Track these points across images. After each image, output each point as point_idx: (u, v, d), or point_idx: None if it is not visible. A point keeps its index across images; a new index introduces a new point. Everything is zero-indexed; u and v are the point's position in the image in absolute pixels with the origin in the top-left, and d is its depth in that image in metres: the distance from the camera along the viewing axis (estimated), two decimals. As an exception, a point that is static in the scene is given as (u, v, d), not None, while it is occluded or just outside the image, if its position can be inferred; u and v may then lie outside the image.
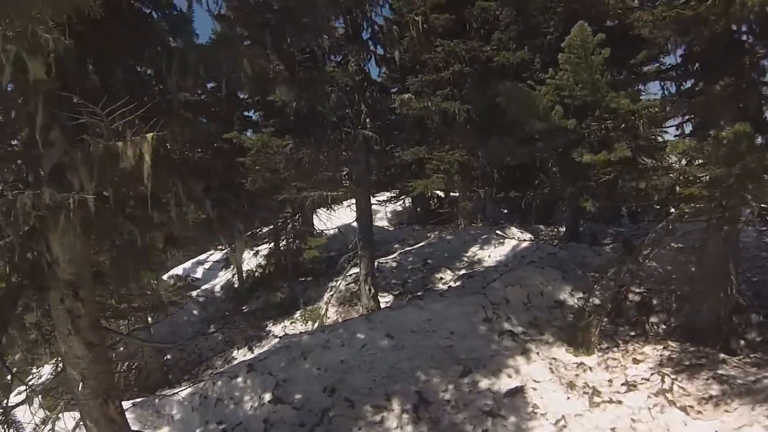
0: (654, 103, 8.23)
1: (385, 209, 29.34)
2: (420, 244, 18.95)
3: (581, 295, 12.89)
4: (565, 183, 13.06)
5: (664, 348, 10.70)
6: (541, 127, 8.68)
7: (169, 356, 18.35)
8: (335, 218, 25.44)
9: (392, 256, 18.19)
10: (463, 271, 15.83)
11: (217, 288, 23.23)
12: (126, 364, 16.67)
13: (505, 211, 26.39)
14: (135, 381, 16.60)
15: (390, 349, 10.62)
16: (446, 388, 9.60)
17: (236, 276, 22.01)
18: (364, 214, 13.78)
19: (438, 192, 27.12)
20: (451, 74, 20.07)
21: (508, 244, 16.84)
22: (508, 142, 9.54)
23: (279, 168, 14.20)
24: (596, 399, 9.09)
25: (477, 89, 17.16)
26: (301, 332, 13.99)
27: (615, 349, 11.07)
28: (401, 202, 27.62)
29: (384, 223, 28.95)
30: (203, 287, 24.87)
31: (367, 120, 13.85)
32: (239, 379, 10.68)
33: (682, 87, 10.12)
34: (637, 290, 12.96)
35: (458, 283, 14.45)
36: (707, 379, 9.18)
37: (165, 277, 28.86)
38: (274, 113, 18.56)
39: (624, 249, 11.89)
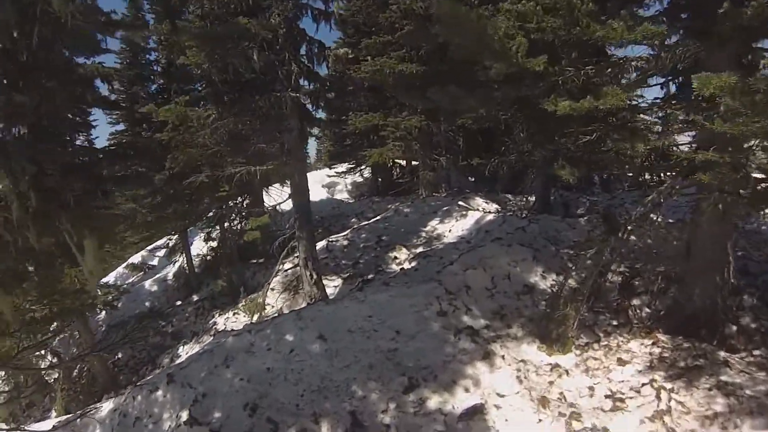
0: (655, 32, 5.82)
1: (344, 181, 27.02)
2: (376, 219, 16.61)
3: (554, 277, 10.86)
4: (534, 145, 10.75)
5: (654, 343, 8.83)
6: (499, 69, 6.25)
7: (120, 355, 16.71)
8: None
9: (344, 234, 15.87)
10: (420, 249, 13.59)
11: (170, 276, 21.19)
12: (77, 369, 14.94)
13: (472, 179, 24.25)
14: (81, 388, 14.94)
15: (322, 355, 8.35)
16: (386, 408, 7.37)
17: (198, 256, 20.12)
18: (300, 189, 11.36)
19: (400, 161, 24.86)
20: (407, 34, 17.66)
21: (472, 217, 14.61)
22: (454, 91, 7.04)
23: (208, 143, 11.75)
24: (575, 425, 6.92)
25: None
26: (230, 330, 11.67)
27: (596, 346, 9.08)
28: (360, 173, 25.33)
29: (344, 196, 26.68)
30: (156, 276, 22.89)
31: (302, 81, 11.36)
32: (159, 393, 8.71)
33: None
34: (618, 269, 11.01)
35: (413, 264, 12.20)
36: (709, 389, 7.16)
37: (122, 267, 26.86)
38: (193, 81, 16.02)
39: (607, 226, 9.70)
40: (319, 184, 27.13)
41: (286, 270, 14.55)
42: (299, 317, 9.21)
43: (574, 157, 8.76)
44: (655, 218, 10.14)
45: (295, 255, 12.96)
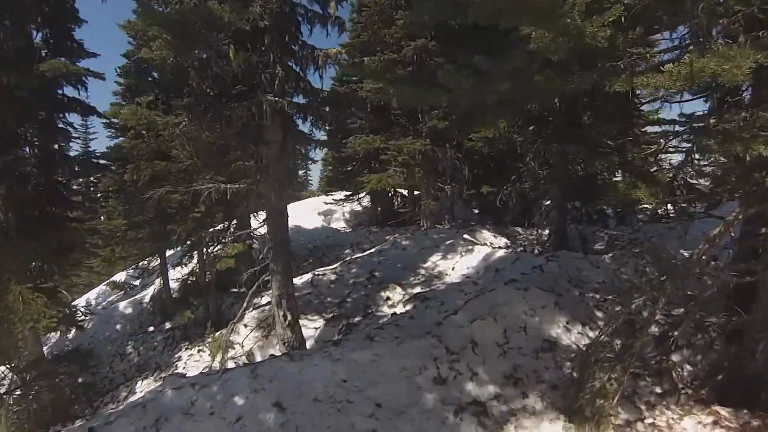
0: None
1: (342, 209, 24.85)
2: (370, 252, 14.33)
3: (580, 328, 8.58)
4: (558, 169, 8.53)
5: (715, 422, 6.58)
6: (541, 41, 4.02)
7: (81, 380, 15.00)
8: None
9: (333, 267, 13.56)
10: (417, 289, 11.25)
11: (147, 298, 19.21)
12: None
13: (476, 211, 22.03)
14: (28, 416, 12.81)
15: (276, 430, 6.01)
16: None
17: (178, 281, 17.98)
18: (277, 213, 9.11)
19: (401, 190, 22.73)
20: (413, 50, 15.76)
21: (479, 253, 12.32)
22: (481, 64, 4.68)
23: (181, 155, 9.69)
24: None
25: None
26: (178, 375, 9.31)
27: (640, 426, 6.90)
28: (359, 201, 23.21)
29: (341, 225, 24.49)
30: (134, 297, 20.95)
31: (291, 87, 9.27)
32: (76, 452, 6.55)
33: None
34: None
35: (407, 308, 9.86)
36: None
37: (104, 284, 24.86)
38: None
39: (659, 266, 7.46)
40: (315, 211, 25.01)
41: (263, 305, 12.29)
42: (254, 375, 6.86)
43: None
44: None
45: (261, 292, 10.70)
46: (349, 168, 22.12)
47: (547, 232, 15.05)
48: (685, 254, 9.02)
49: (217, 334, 12.00)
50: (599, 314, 9.52)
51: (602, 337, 8.06)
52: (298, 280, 13.14)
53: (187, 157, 9.88)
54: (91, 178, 20.16)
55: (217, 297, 15.19)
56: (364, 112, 19.35)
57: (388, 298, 11.09)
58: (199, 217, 13.78)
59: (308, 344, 10.43)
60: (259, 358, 11.01)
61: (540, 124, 12.30)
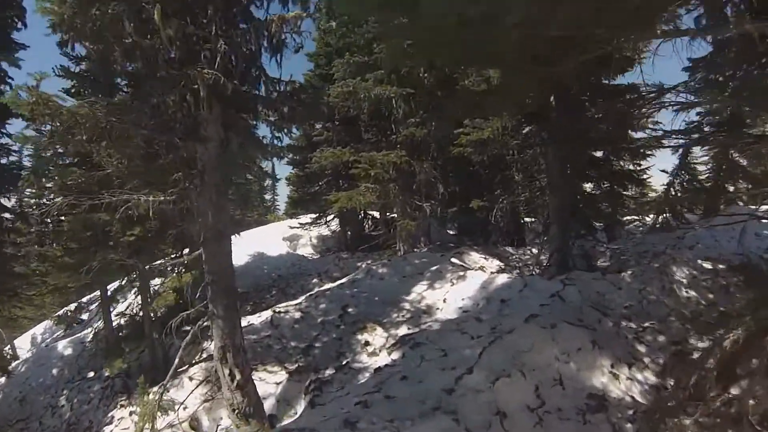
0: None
1: (309, 234, 22.17)
2: (341, 282, 11.72)
3: (627, 372, 6.31)
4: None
5: None
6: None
7: None
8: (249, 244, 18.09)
9: (297, 302, 10.84)
10: (402, 329, 8.67)
11: (90, 337, 15.97)
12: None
13: (452, 232, 19.78)
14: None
15: None
16: None
17: (122, 318, 14.62)
18: (214, 235, 6.45)
19: (372, 213, 20.29)
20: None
21: (473, 279, 9.87)
22: None
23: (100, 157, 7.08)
24: None
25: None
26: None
27: None
28: (326, 224, 20.62)
29: (308, 251, 21.79)
30: (75, 336, 17.90)
31: (237, 70, 6.75)
32: None
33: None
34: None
35: (394, 357, 7.27)
36: None
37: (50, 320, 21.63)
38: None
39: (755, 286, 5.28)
40: (280, 236, 22.28)
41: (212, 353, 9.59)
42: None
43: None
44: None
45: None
46: (316, 187, 19.57)
47: (539, 251, 12.84)
48: None
49: (154, 390, 9.18)
50: (641, 348, 7.27)
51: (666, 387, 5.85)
52: (256, 319, 10.44)
53: (107, 161, 7.16)
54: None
55: (163, 339, 12.28)
56: (331, 123, 17.06)
57: (366, 343, 8.46)
58: (133, 242, 10.97)
59: (267, 405, 7.75)
60: (206, 425, 8.28)
61: (538, 123, 10.23)
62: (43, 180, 12.53)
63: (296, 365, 8.42)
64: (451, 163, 14.54)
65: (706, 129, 10.94)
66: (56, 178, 10.55)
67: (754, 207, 10.82)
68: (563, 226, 10.99)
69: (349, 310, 9.86)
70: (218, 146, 6.40)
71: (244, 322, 10.34)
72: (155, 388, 9.21)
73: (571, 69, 5.03)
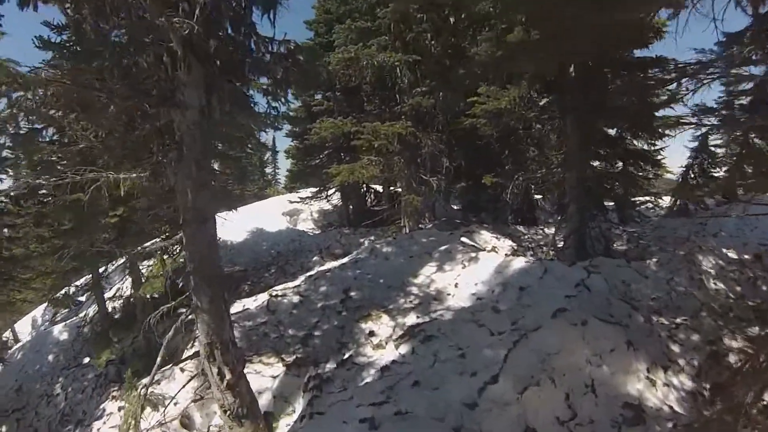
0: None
1: (309, 208, 21.32)
2: (342, 262, 10.93)
3: (663, 377, 5.60)
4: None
5: None
6: None
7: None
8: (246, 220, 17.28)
9: (295, 284, 10.04)
10: (410, 317, 7.89)
11: (89, 319, 15.21)
12: None
13: (457, 207, 18.94)
14: None
15: None
16: None
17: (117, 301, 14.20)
18: (195, 217, 5.56)
19: (375, 186, 19.38)
20: (390, 15, 12.52)
21: (486, 262, 9.07)
22: None
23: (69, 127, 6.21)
24: None
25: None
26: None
27: None
28: (327, 198, 19.75)
29: (309, 226, 20.96)
30: (71, 320, 17.29)
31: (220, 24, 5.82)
32: None
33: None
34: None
35: (402, 351, 6.53)
36: None
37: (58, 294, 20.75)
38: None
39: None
40: (280, 211, 21.41)
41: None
42: None
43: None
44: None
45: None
46: (316, 160, 18.62)
47: (556, 231, 12.03)
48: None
49: (143, 381, 8.47)
50: (675, 348, 6.54)
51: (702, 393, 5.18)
52: (251, 303, 9.67)
53: (82, 136, 6.27)
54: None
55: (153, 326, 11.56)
56: (332, 93, 16.09)
57: (371, 333, 7.69)
58: (118, 223, 10.16)
59: (263, 401, 7.04)
60: (198, 422, 7.59)
61: (558, 92, 9.32)
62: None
63: (294, 357, 7.65)
64: (458, 136, 13.64)
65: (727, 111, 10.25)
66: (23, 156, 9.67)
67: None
68: (581, 206, 10.16)
69: (352, 294, 9.07)
70: (199, 113, 5.49)
71: (238, 306, 9.60)
72: (145, 380, 8.52)
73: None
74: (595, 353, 5.50)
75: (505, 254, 9.91)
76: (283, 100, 7.07)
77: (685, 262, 8.89)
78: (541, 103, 9.46)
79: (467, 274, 8.84)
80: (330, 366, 7.03)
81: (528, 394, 4.60)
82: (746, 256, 9.38)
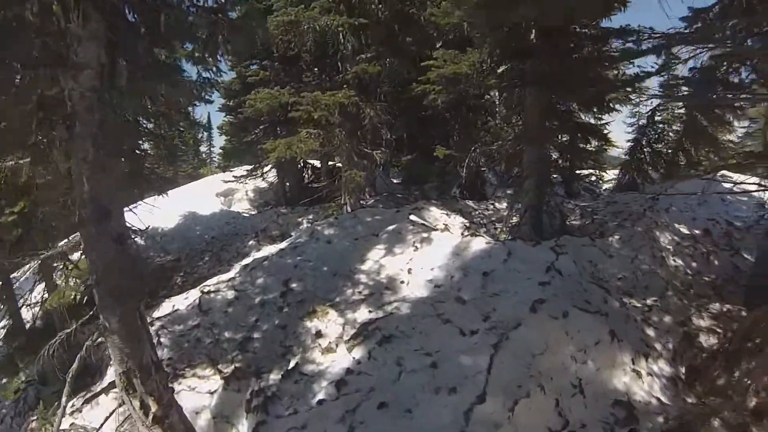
0: None
1: (245, 187, 19.85)
2: (280, 246, 9.87)
3: (646, 366, 5.08)
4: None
5: None
6: None
7: None
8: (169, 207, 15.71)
9: (229, 277, 8.88)
10: (362, 310, 6.95)
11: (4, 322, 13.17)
12: None
13: (396, 181, 18.16)
14: None
15: None
16: None
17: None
18: (95, 213, 4.35)
19: (312, 161, 18.18)
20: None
21: (440, 242, 8.28)
22: None
23: None
24: None
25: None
26: None
27: None
28: (263, 176, 18.39)
29: (245, 206, 19.50)
30: None
31: None
32: None
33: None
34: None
35: (357, 356, 5.64)
36: None
37: None
38: None
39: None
40: (214, 192, 19.75)
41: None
42: None
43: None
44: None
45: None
46: (251, 136, 17.13)
47: (503, 205, 11.46)
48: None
49: (73, 403, 7.16)
50: (651, 332, 6.10)
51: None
52: (182, 302, 8.40)
53: None
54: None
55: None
56: (269, 61, 14.70)
57: (318, 333, 6.70)
58: (17, 220, 8.58)
59: (201, 423, 5.98)
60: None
61: (519, 59, 8.58)
62: None
63: (233, 366, 6.59)
64: (402, 106, 12.76)
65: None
66: None
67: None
68: (539, 180, 9.58)
69: (293, 285, 8.06)
70: (96, 77, 4.28)
71: (167, 307, 8.33)
72: (73, 401, 7.25)
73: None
74: (580, 348, 4.89)
75: (461, 233, 9.20)
76: (214, 69, 5.95)
77: (647, 239, 8.64)
78: (499, 71, 8.71)
79: (421, 258, 8.02)
80: (274, 377, 6.04)
81: (519, 409, 3.90)
82: (696, 231, 9.37)
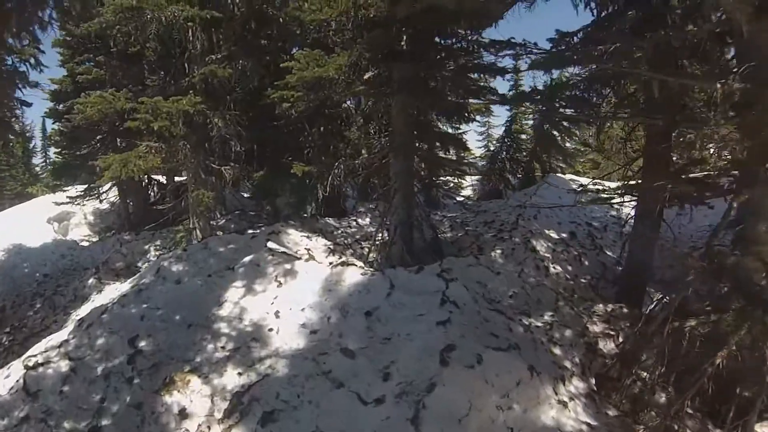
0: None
1: (82, 210, 16.94)
2: (121, 291, 8.14)
3: (565, 393, 4.84)
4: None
5: None
6: None
7: None
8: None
9: (62, 340, 6.89)
10: (228, 373, 5.65)
11: None
12: None
13: (246, 195, 16.86)
14: None
15: None
16: None
17: None
18: None
19: (159, 177, 15.97)
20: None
21: (307, 275, 7.21)
22: None
23: None
24: None
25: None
26: None
27: None
28: (99, 198, 15.84)
29: (84, 232, 16.75)
30: None
31: None
32: None
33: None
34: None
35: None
36: None
37: None
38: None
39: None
40: (45, 217, 16.62)
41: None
42: None
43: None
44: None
45: None
46: (86, 148, 14.41)
47: (380, 225, 10.89)
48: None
49: None
50: (557, 351, 5.85)
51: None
52: (2, 382, 6.36)
53: None
54: None
55: None
56: (105, 57, 12.51)
57: (182, 413, 5.27)
58: None
59: None
60: None
61: (386, 65, 7.95)
62: None
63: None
64: (253, 115, 11.55)
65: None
66: None
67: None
68: (408, 194, 9.10)
69: (142, 344, 6.51)
70: None
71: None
72: None
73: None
74: (503, 395, 4.40)
75: (329, 261, 8.31)
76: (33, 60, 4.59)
77: (527, 250, 8.66)
78: (366, 76, 7.99)
79: (287, 295, 6.95)
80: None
81: None
82: (564, 235, 9.64)
